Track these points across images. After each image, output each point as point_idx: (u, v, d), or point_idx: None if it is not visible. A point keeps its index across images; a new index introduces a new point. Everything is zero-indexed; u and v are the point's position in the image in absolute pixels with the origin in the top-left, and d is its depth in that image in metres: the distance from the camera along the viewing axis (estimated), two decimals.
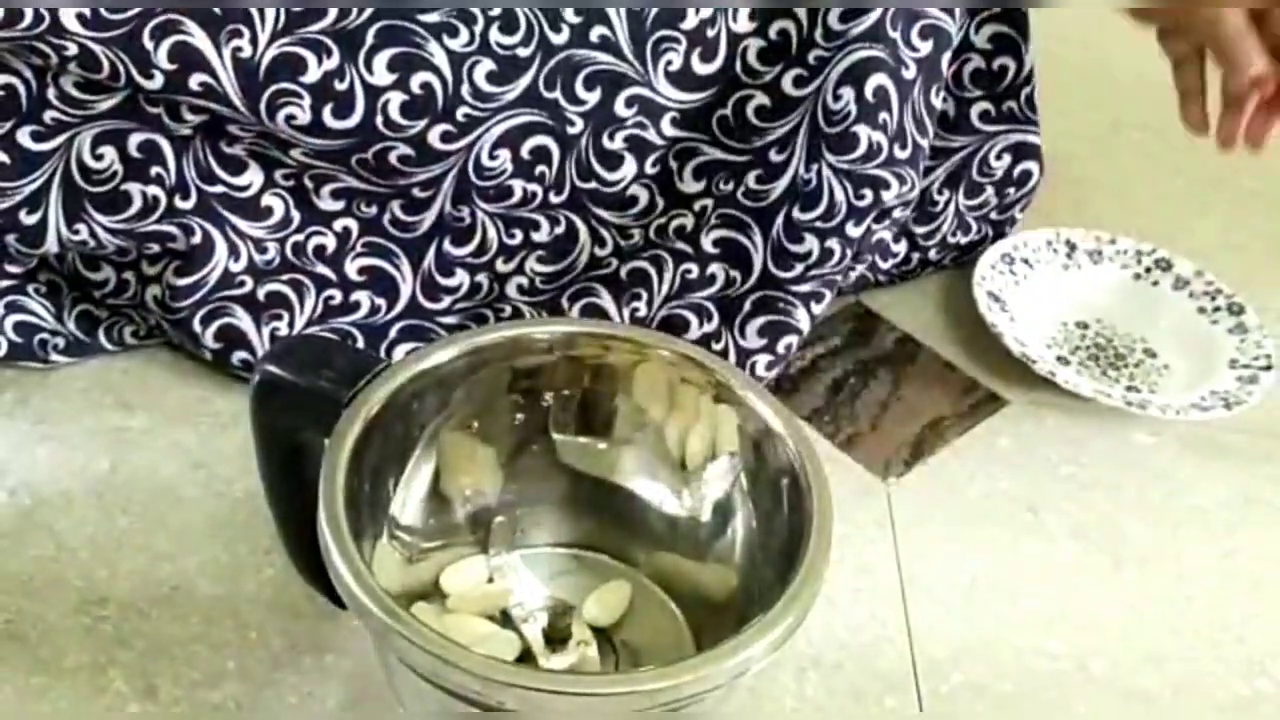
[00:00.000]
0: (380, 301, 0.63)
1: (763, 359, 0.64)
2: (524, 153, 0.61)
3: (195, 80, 0.53)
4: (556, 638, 0.46)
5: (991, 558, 0.60)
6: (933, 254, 0.74)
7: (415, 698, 0.42)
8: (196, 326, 0.61)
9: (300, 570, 0.50)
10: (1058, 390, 0.67)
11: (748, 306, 0.63)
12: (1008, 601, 0.58)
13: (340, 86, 0.56)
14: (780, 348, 0.64)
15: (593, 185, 0.62)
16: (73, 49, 0.52)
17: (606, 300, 0.64)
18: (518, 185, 0.62)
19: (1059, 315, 0.73)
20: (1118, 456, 0.66)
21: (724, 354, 0.64)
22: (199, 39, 0.53)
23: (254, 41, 0.54)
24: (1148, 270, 0.75)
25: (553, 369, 0.47)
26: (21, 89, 0.56)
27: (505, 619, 0.48)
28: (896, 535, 0.60)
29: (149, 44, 0.52)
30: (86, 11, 0.51)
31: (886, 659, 0.55)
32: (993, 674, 0.55)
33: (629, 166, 0.62)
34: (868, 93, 0.60)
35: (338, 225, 0.61)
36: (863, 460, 0.64)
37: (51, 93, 0.56)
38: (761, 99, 0.62)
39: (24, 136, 0.56)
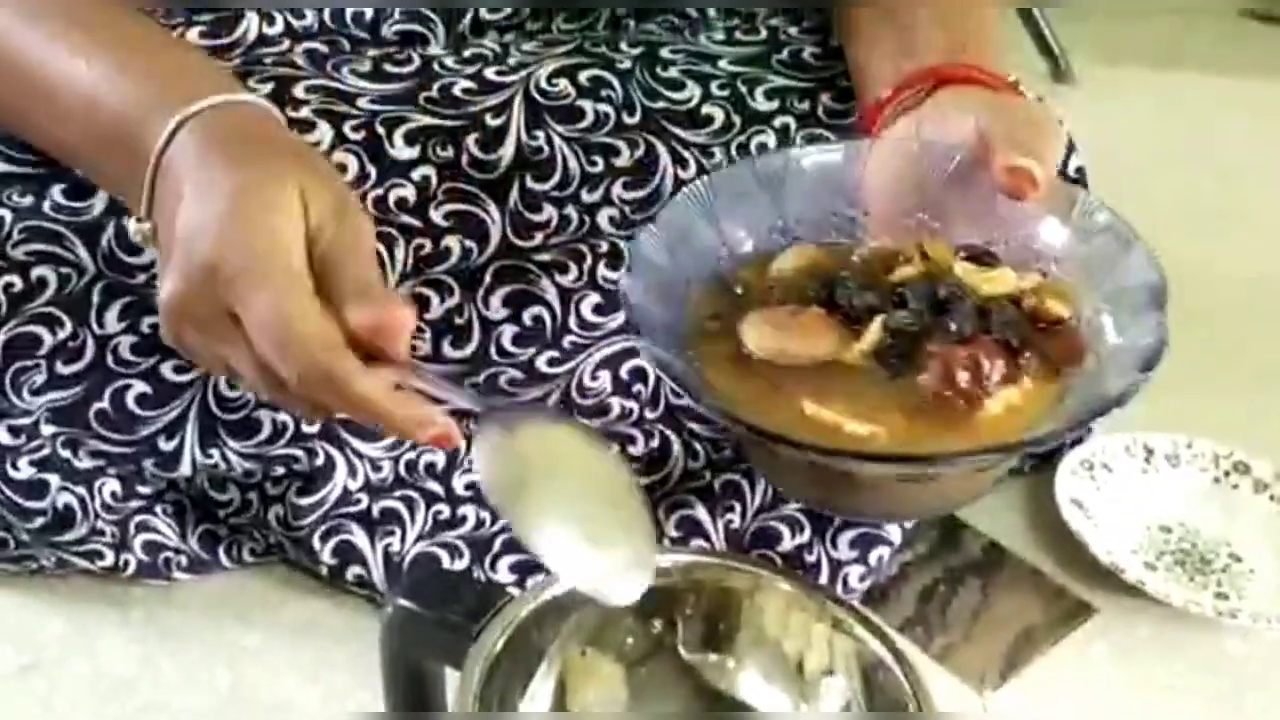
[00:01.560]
0: (484, 514, 0.66)
1: (855, 570, 0.66)
2: (622, 374, 0.65)
3: None
4: None
5: None
6: (1014, 461, 0.76)
7: None
8: (316, 543, 0.64)
9: None
10: (1147, 597, 0.67)
11: (839, 520, 0.66)
12: None
13: (459, 321, 0.61)
14: (872, 559, 0.66)
15: (685, 402, 0.66)
16: None
17: (701, 512, 0.67)
18: (615, 403, 0.65)
19: (1142, 520, 0.74)
20: (1212, 665, 0.66)
21: (816, 565, 0.65)
22: None
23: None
24: (1226, 474, 0.76)
25: (674, 592, 0.49)
26: None
27: None
28: None
29: None
30: None
31: None
32: None
33: None
34: None
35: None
36: (959, 672, 0.64)
37: None
38: None
39: (167, 369, 0.61)
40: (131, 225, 0.52)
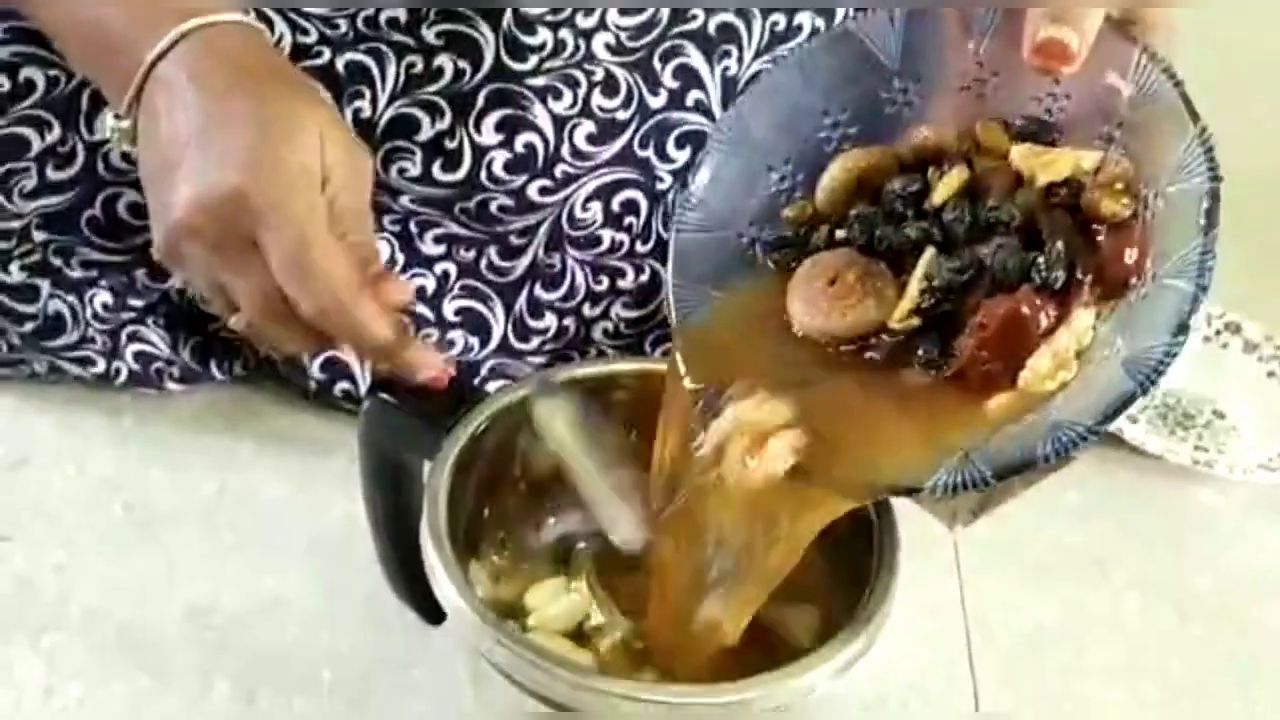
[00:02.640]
0: (473, 341, 0.67)
1: None
2: (614, 205, 0.64)
3: None
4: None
5: (1057, 608, 0.62)
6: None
7: (504, 708, 0.45)
8: (304, 359, 0.65)
9: (394, 586, 0.53)
10: (1125, 447, 0.68)
11: None
12: (1072, 651, 0.60)
13: (450, 145, 0.60)
14: None
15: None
16: None
17: None
18: (607, 235, 0.65)
19: None
20: (1185, 514, 0.68)
21: None
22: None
23: (374, 102, 0.59)
24: (1217, 333, 0.76)
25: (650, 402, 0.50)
26: None
27: (582, 637, 0.50)
28: (963, 581, 0.62)
29: None
30: None
31: (950, 701, 0.57)
32: None
33: None
34: None
35: (438, 269, 0.65)
36: (932, 509, 0.65)
37: None
38: None
39: None
40: (109, 119, 0.50)
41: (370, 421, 0.48)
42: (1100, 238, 0.43)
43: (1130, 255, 0.42)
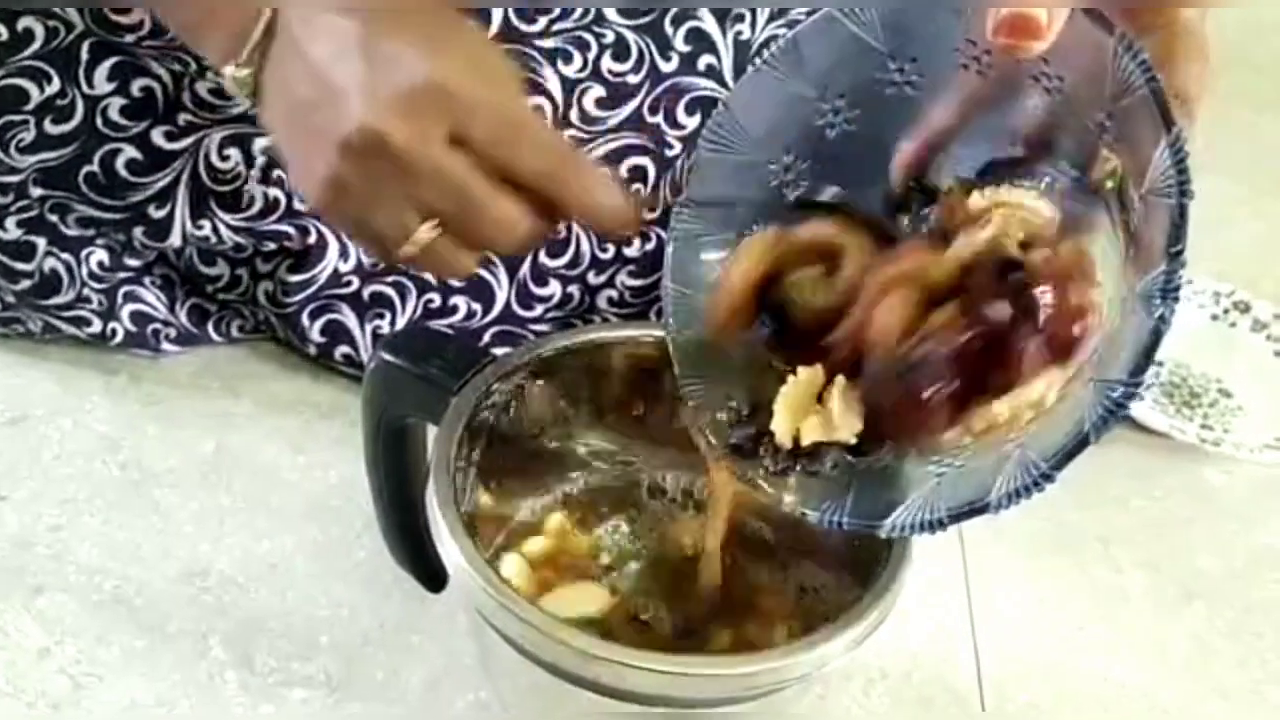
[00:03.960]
0: (476, 306, 0.66)
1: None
2: (623, 171, 0.64)
3: None
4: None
5: (1060, 584, 0.61)
6: None
7: (507, 673, 0.44)
8: (304, 321, 0.64)
9: (393, 551, 0.53)
10: (1131, 424, 0.68)
11: None
12: (1075, 626, 0.59)
13: None
14: None
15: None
16: None
17: None
18: None
19: None
20: (1189, 493, 0.67)
21: None
22: None
23: None
24: (1226, 311, 0.76)
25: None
26: (159, 92, 0.60)
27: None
28: (966, 555, 0.62)
29: None
30: None
31: (953, 675, 0.56)
32: (1058, 697, 0.56)
33: None
34: None
35: None
36: None
37: (186, 96, 0.60)
38: None
39: (158, 136, 0.60)
40: (227, 71, 0.46)
41: (375, 383, 0.47)
42: (1045, 299, 0.41)
43: (1075, 325, 0.40)
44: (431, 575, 0.53)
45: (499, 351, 0.64)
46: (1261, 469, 0.68)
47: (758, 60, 0.45)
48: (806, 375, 0.43)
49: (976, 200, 0.43)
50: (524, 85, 0.48)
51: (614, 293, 0.67)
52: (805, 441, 0.42)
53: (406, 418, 0.48)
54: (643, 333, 0.50)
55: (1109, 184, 0.41)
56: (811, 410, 0.43)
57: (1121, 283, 0.41)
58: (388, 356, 0.46)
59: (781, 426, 0.43)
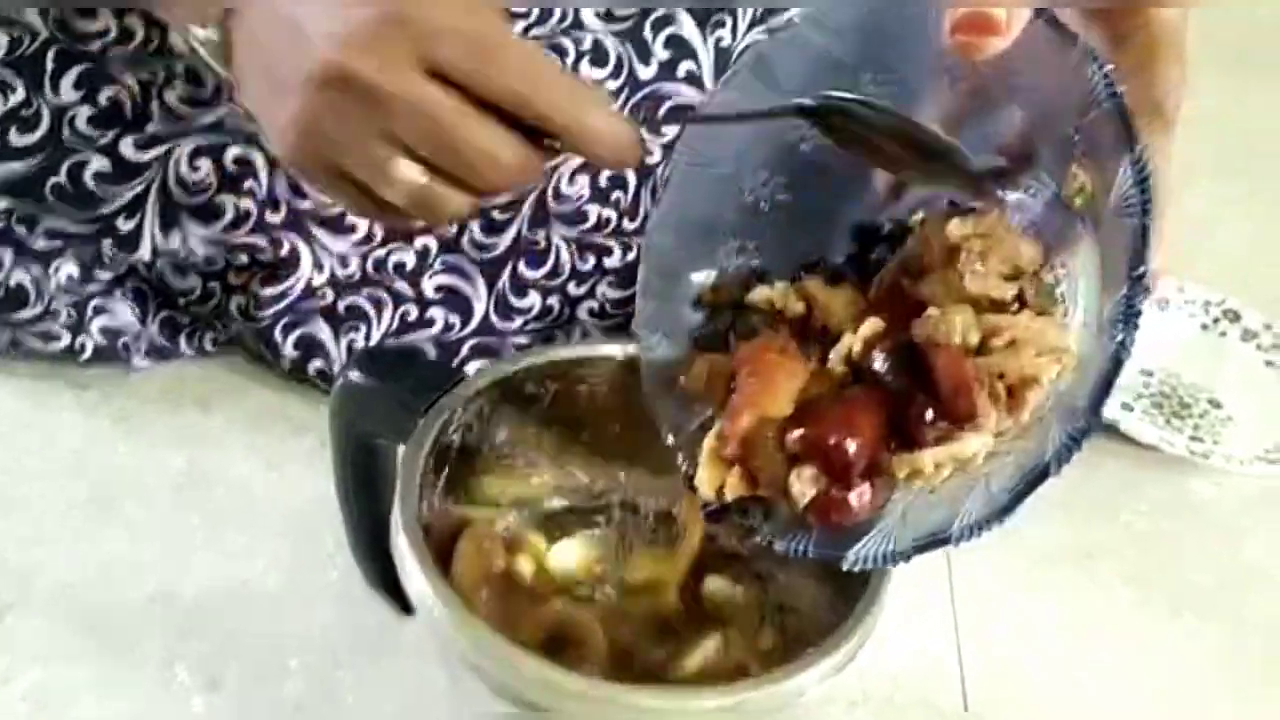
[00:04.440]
0: (454, 319, 0.65)
1: None
2: (601, 180, 0.62)
3: None
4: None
5: (1047, 601, 0.60)
6: None
7: (476, 702, 0.43)
8: (277, 335, 0.63)
9: (365, 572, 0.51)
10: (1120, 436, 0.67)
11: None
12: (1062, 646, 0.58)
13: None
14: None
15: None
16: (180, 66, 0.55)
17: None
18: (593, 210, 0.63)
19: None
20: (1178, 506, 0.66)
21: None
22: None
23: None
24: (1215, 321, 0.75)
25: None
26: (127, 101, 0.59)
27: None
28: (952, 574, 0.60)
29: None
30: None
31: (937, 697, 0.55)
32: (1045, 718, 0.55)
33: None
34: None
35: (418, 243, 0.63)
36: None
37: (155, 106, 0.58)
38: None
39: (126, 146, 0.59)
40: (196, 32, 0.45)
41: (342, 401, 0.46)
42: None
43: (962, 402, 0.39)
44: (404, 597, 0.52)
45: (476, 366, 0.64)
46: (1251, 481, 0.67)
47: (727, 74, 0.44)
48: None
49: (955, 229, 0.41)
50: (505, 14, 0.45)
51: (594, 304, 0.66)
52: (728, 497, 0.41)
53: (375, 437, 0.47)
54: (616, 350, 0.49)
55: (1078, 200, 0.40)
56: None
57: (1099, 308, 0.40)
58: (355, 375, 0.45)
59: (704, 481, 0.41)
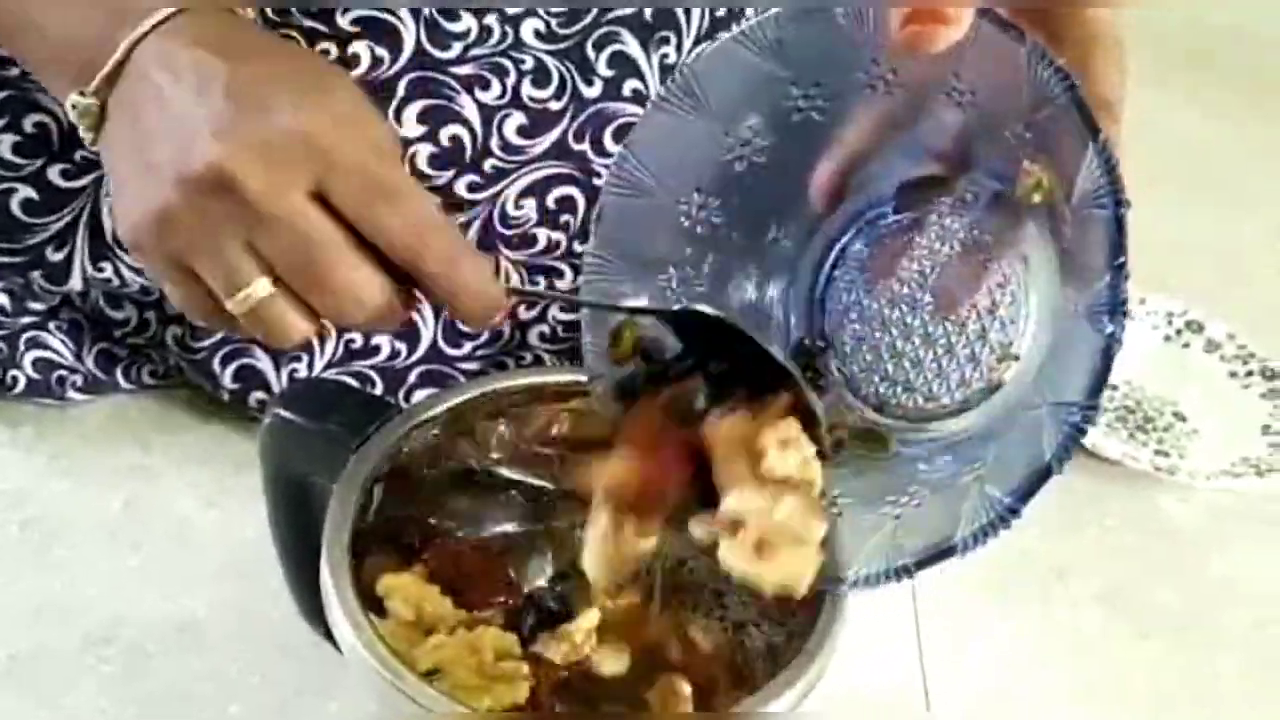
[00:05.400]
0: (400, 346, 0.63)
1: None
2: (549, 202, 0.61)
3: None
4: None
5: (1014, 621, 0.59)
6: None
7: None
8: (216, 366, 0.61)
9: (304, 612, 0.50)
10: (1084, 451, 0.66)
11: None
12: (1029, 667, 0.57)
13: None
14: None
15: None
16: None
17: None
18: (542, 234, 0.62)
19: None
20: (1145, 522, 0.65)
21: None
22: None
23: None
24: (1179, 332, 0.74)
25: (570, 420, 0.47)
26: (54, 128, 0.57)
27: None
28: (916, 596, 0.59)
29: None
30: None
31: (902, 716, 0.54)
32: None
33: None
34: None
35: None
36: None
37: None
38: None
39: (54, 174, 0.57)
40: (71, 98, 0.43)
41: (272, 439, 0.45)
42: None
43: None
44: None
45: (422, 394, 0.62)
46: (1218, 495, 0.66)
47: (653, 97, 0.43)
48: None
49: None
50: (401, 152, 0.45)
51: (545, 328, 0.65)
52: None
53: (308, 475, 0.45)
54: (561, 379, 0.47)
55: (1035, 197, 0.39)
56: None
57: (1060, 299, 0.39)
58: (282, 412, 0.44)
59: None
